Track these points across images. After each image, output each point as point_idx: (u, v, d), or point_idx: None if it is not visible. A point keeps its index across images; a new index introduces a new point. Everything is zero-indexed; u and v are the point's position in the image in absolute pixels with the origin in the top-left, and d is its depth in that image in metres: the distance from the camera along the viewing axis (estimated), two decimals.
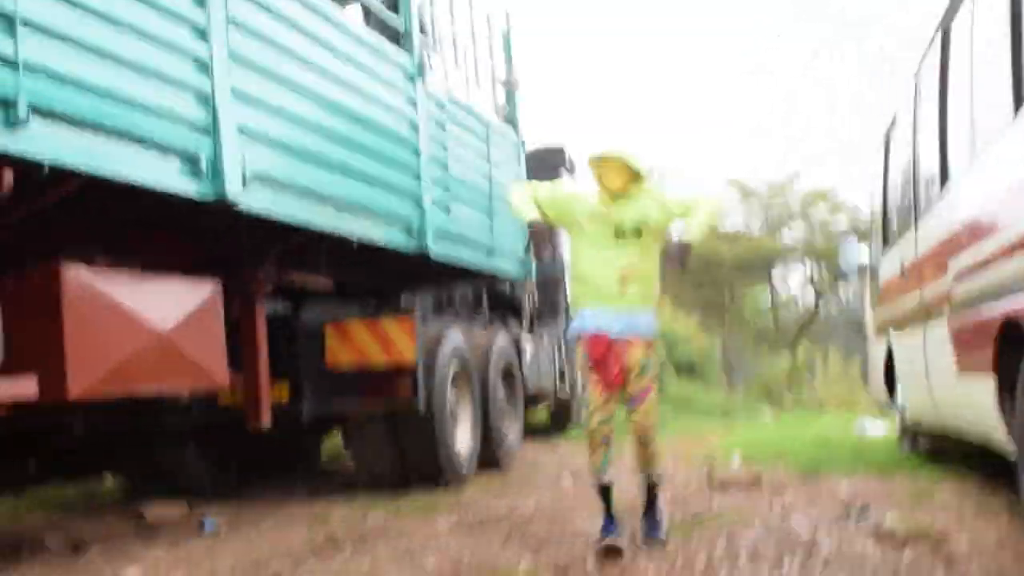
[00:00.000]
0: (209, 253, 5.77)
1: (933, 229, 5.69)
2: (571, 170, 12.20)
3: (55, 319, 4.15)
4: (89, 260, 4.64)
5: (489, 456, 8.25)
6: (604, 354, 4.77)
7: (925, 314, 5.94)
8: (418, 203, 6.85)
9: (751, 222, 28.07)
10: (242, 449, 7.87)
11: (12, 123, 3.55)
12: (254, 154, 4.94)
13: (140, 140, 4.19)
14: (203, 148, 4.55)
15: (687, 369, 24.27)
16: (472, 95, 8.46)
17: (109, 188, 4.24)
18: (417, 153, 6.88)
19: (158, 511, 6.57)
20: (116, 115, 4.04)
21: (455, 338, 7.52)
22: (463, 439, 7.66)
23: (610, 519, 4.94)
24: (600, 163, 4.84)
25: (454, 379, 7.53)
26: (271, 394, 6.67)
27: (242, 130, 4.85)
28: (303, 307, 7.13)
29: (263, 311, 6.10)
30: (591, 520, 5.64)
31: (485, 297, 10.75)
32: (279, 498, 7.22)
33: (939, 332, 5.47)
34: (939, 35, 5.62)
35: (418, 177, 6.88)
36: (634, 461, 5.10)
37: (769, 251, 26.40)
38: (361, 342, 6.84)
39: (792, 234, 27.78)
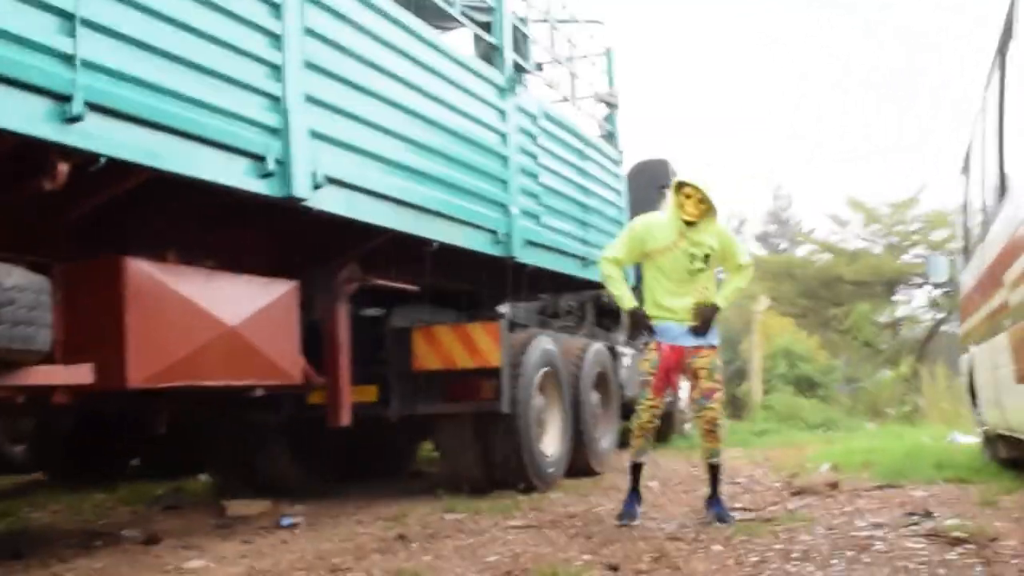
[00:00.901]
0: (289, 253, 5.68)
1: (994, 241, 5.74)
2: None
3: (117, 309, 4.10)
4: (160, 255, 4.59)
5: (580, 462, 7.96)
6: (673, 365, 5.35)
7: (992, 324, 5.98)
8: (505, 211, 6.66)
9: (872, 241, 26.89)
10: (336, 448, 7.78)
11: (67, 118, 3.49)
12: (328, 157, 4.84)
13: (205, 139, 4.11)
14: (272, 149, 4.46)
15: (807, 386, 23.43)
16: (569, 109, 8.25)
17: (179, 184, 4.18)
18: (505, 163, 6.70)
19: (240, 507, 6.51)
20: (179, 114, 3.98)
21: (544, 344, 7.27)
22: (551, 444, 7.40)
23: (635, 493, 5.59)
24: (684, 190, 5.23)
25: (542, 384, 7.28)
26: (359, 394, 6.61)
27: (315, 134, 4.75)
28: (393, 311, 6.99)
29: (345, 311, 5.99)
30: (661, 522, 5.45)
31: (590, 308, 10.49)
32: (365, 497, 7.09)
33: (1002, 341, 5.55)
34: (997, 58, 5.76)
35: (506, 186, 6.69)
36: (702, 451, 5.65)
37: (890, 271, 25.22)
38: (448, 346, 6.68)
39: (914, 254, 26.50)
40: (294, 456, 7.43)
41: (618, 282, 5.45)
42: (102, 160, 3.67)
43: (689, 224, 5.23)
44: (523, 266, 7.02)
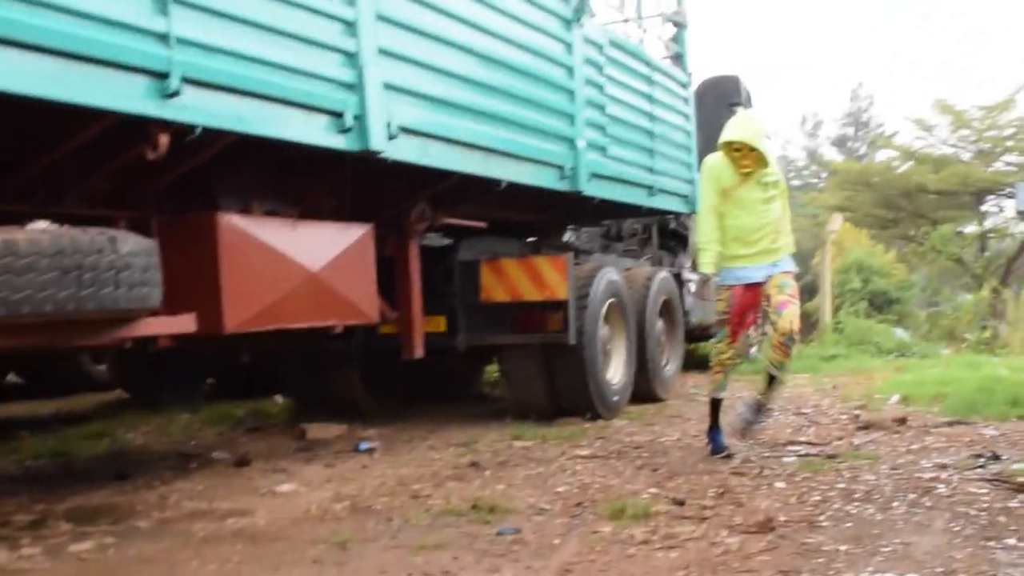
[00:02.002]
0: (363, 198, 6.15)
1: None
2: (747, 102, 11.98)
3: (212, 261, 4.62)
4: (246, 209, 5.10)
5: (645, 389, 8.47)
6: (748, 304, 5.75)
7: None
8: (571, 145, 7.03)
9: (960, 148, 26.48)
10: (404, 375, 8.36)
11: (166, 94, 3.95)
12: (401, 108, 5.24)
13: (287, 101, 4.54)
14: (349, 105, 4.88)
15: (883, 304, 23.49)
16: (636, 34, 8.51)
17: (263, 144, 4.65)
18: (572, 97, 7.05)
19: (319, 431, 7.13)
20: (264, 79, 4.40)
21: (610, 275, 7.71)
22: (615, 372, 7.90)
23: (715, 429, 6.00)
24: (731, 148, 5.58)
25: (607, 314, 7.74)
26: (428, 324, 7.14)
27: (389, 86, 5.16)
28: (461, 245, 7.47)
29: (416, 249, 6.48)
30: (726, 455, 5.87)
31: (655, 231, 10.87)
32: (434, 421, 7.68)
33: None
34: None
35: (572, 120, 7.05)
36: (767, 358, 5.98)
37: (979, 180, 24.88)
38: (515, 279, 7.15)
39: (1007, 162, 26.05)
40: (365, 381, 8.05)
41: (710, 243, 5.74)
42: (198, 130, 4.14)
43: (749, 175, 5.62)
44: (589, 197, 7.41)
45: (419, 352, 6.49)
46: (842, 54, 57.18)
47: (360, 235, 5.61)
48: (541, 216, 8.28)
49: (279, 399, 9.00)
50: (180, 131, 4.16)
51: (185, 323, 4.50)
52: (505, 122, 6.21)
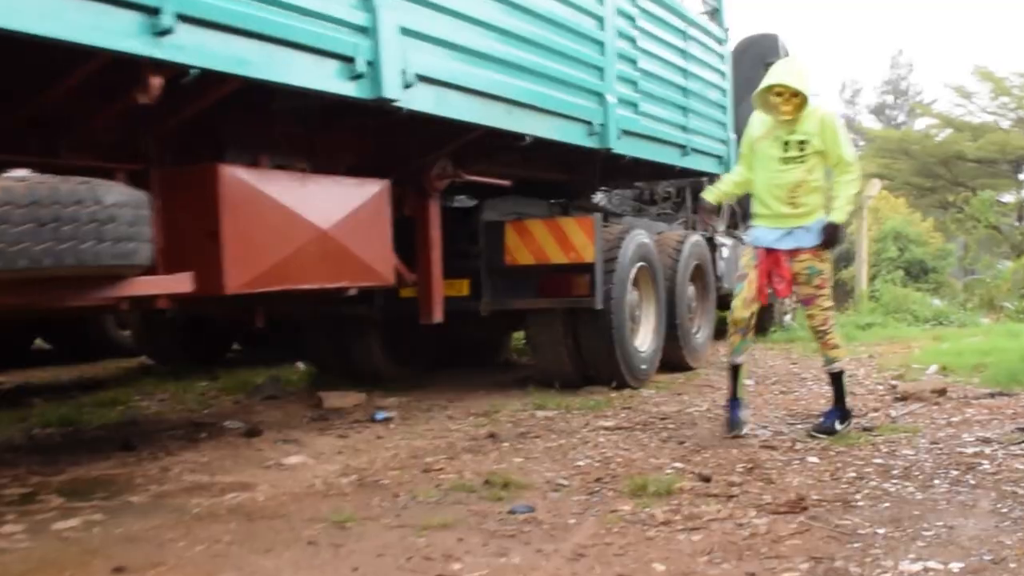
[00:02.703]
0: (380, 152, 5.79)
1: None
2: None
3: (213, 217, 4.27)
4: (253, 161, 4.74)
5: (675, 356, 8.08)
6: (770, 267, 5.22)
7: None
8: (601, 100, 6.62)
9: (1000, 115, 25.72)
10: (428, 338, 8.03)
11: (158, 31, 3.58)
12: (418, 55, 4.85)
13: (293, 43, 4.16)
14: (361, 50, 4.49)
15: (918, 272, 22.95)
16: None
17: (270, 91, 4.28)
18: (602, 49, 6.63)
19: (336, 400, 6.79)
20: (266, 19, 4.02)
21: (639, 238, 7.30)
22: (644, 339, 7.51)
23: (734, 401, 5.43)
24: (773, 91, 5.09)
25: (636, 278, 7.35)
26: (451, 288, 6.79)
27: (405, 31, 4.76)
28: (486, 205, 7.09)
29: (437, 208, 6.11)
30: (756, 428, 5.52)
31: (689, 194, 10.43)
32: (457, 389, 7.33)
33: None
34: None
35: (602, 73, 6.63)
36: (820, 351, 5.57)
37: (1018, 148, 24.17)
38: (541, 241, 6.77)
39: None
40: (386, 347, 7.70)
41: (722, 179, 5.65)
42: (193, 72, 3.77)
43: (787, 122, 5.14)
44: (619, 156, 7.00)
45: (438, 317, 6.13)
46: (882, 20, 55.83)
47: (375, 192, 5.24)
48: (569, 176, 7.87)
49: (301, 366, 8.70)
50: (175, 74, 3.80)
51: (180, 283, 4.15)
52: (530, 73, 5.80)
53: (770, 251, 5.20)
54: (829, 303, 5.27)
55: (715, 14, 8.91)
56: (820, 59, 53.38)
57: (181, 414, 6.79)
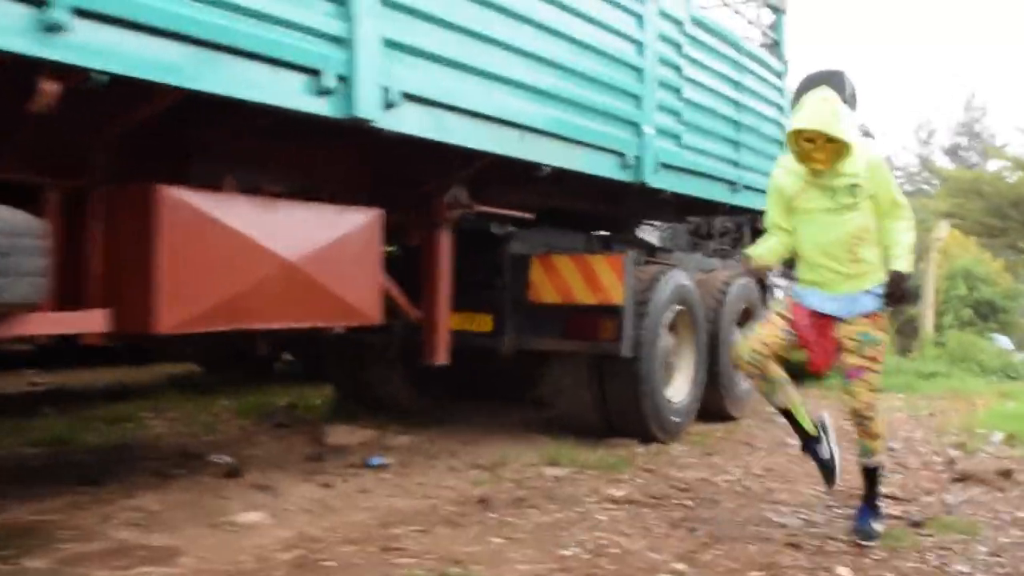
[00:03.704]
0: (380, 177, 4.86)
1: None
2: (851, 100, 10.19)
3: (146, 243, 3.37)
4: (217, 180, 3.85)
5: (716, 405, 6.96)
6: (808, 328, 4.03)
7: None
8: (636, 130, 5.58)
9: None
10: (455, 372, 7.07)
11: (47, 27, 2.71)
12: (407, 70, 3.91)
13: (240, 51, 3.25)
14: (330, 62, 3.56)
15: (987, 313, 21.15)
16: (727, 14, 6.97)
17: (228, 106, 3.38)
18: (640, 76, 5.59)
19: (341, 436, 5.88)
20: (202, 22, 3.12)
21: (677, 278, 6.21)
22: (679, 388, 6.40)
23: (809, 440, 4.29)
24: (801, 138, 3.91)
25: (673, 323, 6.27)
26: (472, 322, 5.88)
27: (391, 44, 3.82)
28: (515, 236, 6.10)
29: (448, 240, 5.13)
30: (785, 510, 4.41)
31: (748, 230, 9.27)
32: (472, 433, 6.30)
33: None
34: None
35: (638, 102, 5.59)
36: (857, 443, 4.20)
37: None
38: (567, 278, 5.75)
39: None
40: (408, 376, 6.75)
41: (768, 238, 4.27)
42: (99, 78, 2.89)
43: (823, 173, 3.93)
44: (657, 190, 5.96)
45: (442, 358, 5.15)
46: (956, 61, 53.15)
47: (363, 221, 4.28)
48: (612, 207, 6.81)
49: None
50: (80, 80, 2.92)
51: (87, 321, 3.27)
52: (550, 97, 4.81)
53: (813, 313, 4.01)
54: (879, 382, 4.01)
55: (775, 47, 7.78)
56: (893, 99, 50.93)
57: (180, 439, 5.94)
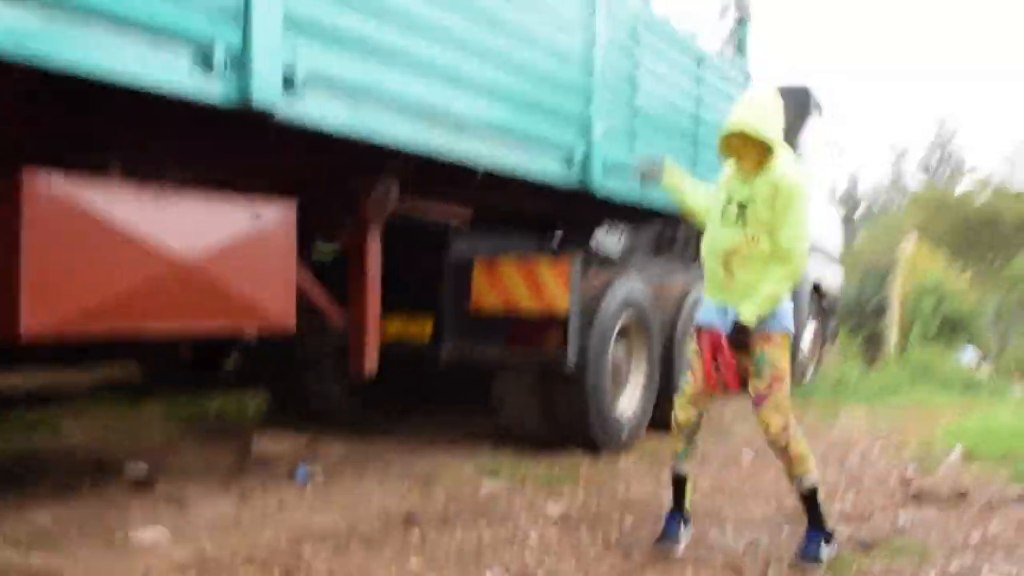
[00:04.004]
0: (301, 170, 4.42)
1: None
2: (818, 114, 9.84)
3: (9, 241, 2.93)
4: (101, 168, 3.41)
5: (670, 417, 6.50)
6: (714, 351, 3.60)
7: None
8: (584, 130, 5.17)
9: None
10: (402, 375, 6.65)
11: None
12: (313, 50, 3.47)
13: (106, 17, 2.81)
14: (220, 36, 3.12)
15: (953, 327, 20.85)
16: (689, 21, 6.58)
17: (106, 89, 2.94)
18: (589, 72, 5.18)
19: (268, 444, 5.46)
20: None
21: (629, 286, 5.80)
22: (629, 400, 5.98)
23: (675, 514, 3.85)
24: (727, 139, 3.62)
25: (624, 332, 5.86)
26: (411, 328, 5.47)
27: (292, 19, 3.37)
28: (458, 237, 5.67)
29: (377, 241, 4.69)
30: (729, 530, 4.00)
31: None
32: (411, 443, 5.88)
33: None
34: None
35: (588, 100, 5.18)
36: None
37: None
38: (510, 283, 5.33)
39: None
40: (349, 382, 6.29)
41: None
42: None
43: (751, 176, 3.60)
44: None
45: (370, 367, 4.70)
46: (929, 82, 53.18)
47: (272, 216, 3.84)
48: (566, 209, 6.38)
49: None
50: None
51: None
52: (488, 91, 4.39)
53: (710, 332, 3.62)
54: (787, 401, 3.59)
55: (739, 55, 7.38)
56: (868, 115, 50.83)
57: (98, 445, 5.50)
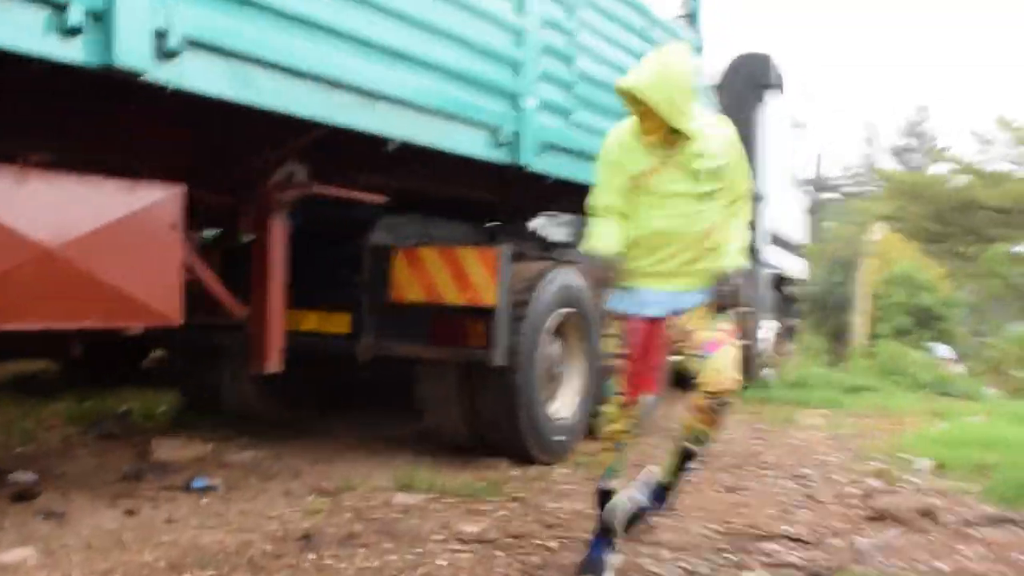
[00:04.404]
0: (195, 149, 4.22)
1: None
2: (778, 85, 9.77)
3: None
4: None
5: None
6: (650, 346, 3.45)
7: None
8: (513, 102, 5.01)
9: (1020, 165, 23.80)
10: (324, 378, 6.50)
11: None
12: (191, 8, 3.25)
13: None
14: None
15: (926, 320, 21.11)
16: None
17: None
18: (519, 38, 5.01)
19: (168, 451, 5.26)
20: None
21: (566, 278, 5.66)
22: (565, 404, 5.83)
23: (601, 539, 3.65)
24: (628, 101, 3.42)
25: (561, 329, 5.72)
26: (327, 323, 5.33)
27: None
28: (379, 224, 5.49)
29: (281, 227, 4.50)
30: (673, 556, 3.89)
31: None
32: (333, 446, 5.73)
33: None
34: None
35: (517, 69, 5.02)
36: (683, 424, 3.59)
37: None
38: (433, 274, 5.16)
39: None
40: (265, 381, 6.05)
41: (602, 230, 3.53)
42: None
43: (670, 141, 3.38)
44: (543, 175, 5.40)
45: (273, 365, 4.52)
46: (904, 62, 53.85)
47: (152, 200, 3.62)
48: (504, 195, 6.23)
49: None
50: None
51: None
52: (401, 57, 4.20)
53: (654, 322, 3.45)
54: (739, 367, 3.41)
55: (691, 19, 7.27)
56: (840, 97, 51.33)
57: None
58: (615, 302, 3.55)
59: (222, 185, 4.34)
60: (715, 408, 3.39)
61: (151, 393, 7.13)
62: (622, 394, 3.51)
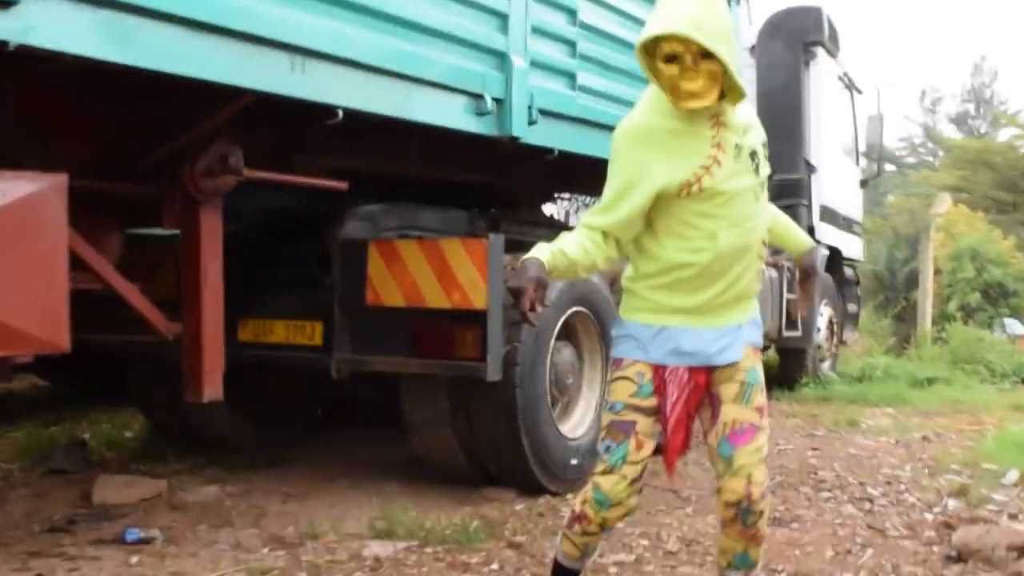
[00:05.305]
0: (103, 128, 3.52)
1: None
2: (831, 43, 8.87)
3: None
4: None
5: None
6: (694, 399, 2.62)
7: None
8: (501, 62, 4.25)
9: None
10: (305, 393, 5.83)
11: None
12: None
13: None
14: None
15: (997, 296, 20.18)
16: None
17: None
18: None
19: (113, 492, 4.60)
20: None
21: None
22: (580, 420, 5.06)
23: None
24: (662, 50, 2.41)
25: (570, 332, 4.97)
26: (298, 333, 4.63)
27: None
28: (351, 213, 4.76)
29: (214, 222, 3.78)
30: None
31: None
32: (307, 479, 5.03)
33: None
34: None
35: (504, 22, 4.26)
36: (720, 549, 2.75)
37: None
38: (414, 273, 4.41)
39: None
40: (241, 402, 5.39)
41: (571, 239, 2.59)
42: None
43: (703, 113, 2.47)
44: (542, 149, 4.65)
45: (211, 392, 3.81)
46: (965, 25, 52.05)
47: (23, 195, 2.92)
48: (497, 174, 5.48)
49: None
50: None
51: None
52: (348, 6, 3.47)
53: (696, 372, 2.58)
54: (767, 447, 2.64)
55: None
56: (899, 64, 49.76)
57: None
58: (632, 348, 2.65)
59: (136, 173, 3.63)
60: (746, 520, 2.58)
61: (126, 415, 6.54)
62: (636, 463, 2.64)
